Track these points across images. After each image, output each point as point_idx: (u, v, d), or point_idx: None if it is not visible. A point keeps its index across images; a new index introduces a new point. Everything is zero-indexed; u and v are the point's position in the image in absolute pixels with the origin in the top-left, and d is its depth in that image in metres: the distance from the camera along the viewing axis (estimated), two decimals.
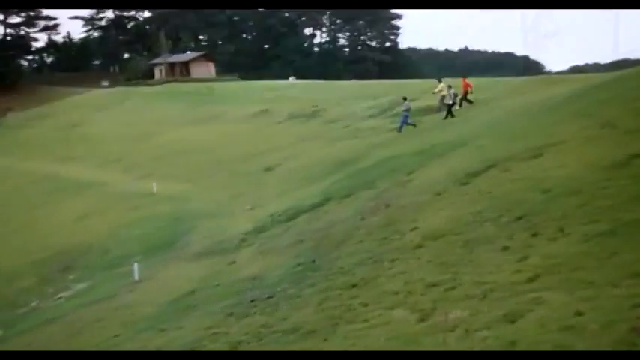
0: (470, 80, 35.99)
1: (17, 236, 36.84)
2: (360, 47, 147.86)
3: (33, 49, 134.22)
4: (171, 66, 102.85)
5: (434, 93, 36.86)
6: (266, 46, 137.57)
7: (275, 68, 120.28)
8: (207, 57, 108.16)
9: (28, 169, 55.08)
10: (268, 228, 22.66)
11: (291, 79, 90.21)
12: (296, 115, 49.19)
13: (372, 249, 12.98)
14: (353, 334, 8.46)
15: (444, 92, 34.60)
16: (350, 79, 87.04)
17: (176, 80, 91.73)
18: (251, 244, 21.16)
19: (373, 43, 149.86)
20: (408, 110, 33.66)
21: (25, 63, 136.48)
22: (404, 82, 55.62)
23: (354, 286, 10.87)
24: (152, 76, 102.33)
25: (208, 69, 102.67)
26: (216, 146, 46.07)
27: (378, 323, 8.53)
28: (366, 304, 9.57)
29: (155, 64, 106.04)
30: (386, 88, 50.10)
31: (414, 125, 33.01)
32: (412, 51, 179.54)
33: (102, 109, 75.08)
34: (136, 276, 21.84)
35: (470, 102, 34.55)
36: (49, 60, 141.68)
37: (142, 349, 12.55)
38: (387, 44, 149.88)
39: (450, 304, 8.16)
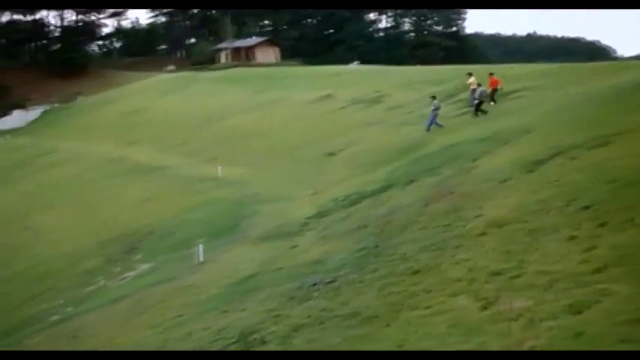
0: (498, 77, 35.10)
1: (85, 217, 37.81)
2: (424, 32, 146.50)
3: (102, 34, 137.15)
4: (236, 51, 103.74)
5: (467, 83, 36.72)
6: (330, 31, 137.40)
7: (339, 53, 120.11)
8: (271, 42, 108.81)
9: (96, 152, 56.36)
10: (330, 213, 22.72)
11: (355, 64, 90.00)
12: (359, 100, 49.05)
13: (435, 235, 12.90)
14: (415, 321, 8.43)
15: (474, 86, 34.25)
16: (414, 64, 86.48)
17: (240, 65, 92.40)
18: (313, 228, 21.24)
19: (438, 28, 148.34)
20: (437, 110, 33.22)
21: (94, 48, 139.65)
22: (469, 68, 54.84)
23: (416, 272, 10.83)
24: (217, 60, 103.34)
25: (273, 54, 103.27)
26: (279, 131, 46.35)
27: (440, 310, 8.49)
28: (428, 291, 9.53)
29: (220, 49, 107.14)
30: (451, 74, 49.55)
31: (441, 126, 32.54)
32: (478, 36, 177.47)
33: (167, 94, 76.19)
34: (200, 258, 22.18)
35: (493, 101, 33.61)
36: (117, 45, 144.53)
37: (205, 330, 12.76)
38: (453, 29, 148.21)
39: (515, 293, 8.06)
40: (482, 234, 11.64)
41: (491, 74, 35.06)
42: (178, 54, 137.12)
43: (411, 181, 21.75)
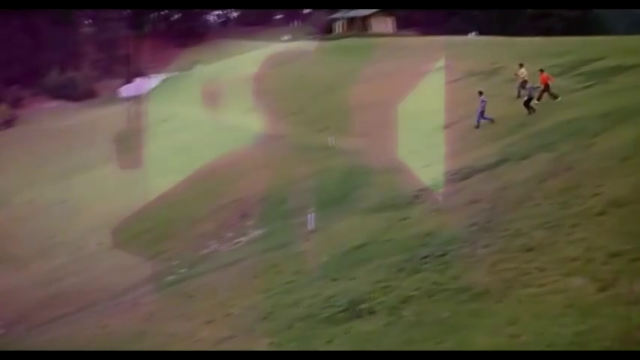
0: (548, 74, 33.61)
1: (201, 183, 38.92)
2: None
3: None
4: (351, 21, 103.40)
5: (515, 75, 36.13)
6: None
7: (455, 24, 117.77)
8: (386, 12, 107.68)
9: (214, 119, 57.74)
10: (442, 186, 22.50)
11: (472, 34, 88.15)
12: (475, 72, 48.04)
13: (551, 213, 12.57)
14: (527, 299, 8.30)
15: (519, 80, 34.04)
16: (533, 35, 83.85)
17: (356, 35, 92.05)
18: (424, 201, 21.11)
19: None
20: (483, 104, 32.55)
21: (213, 18, 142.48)
22: (590, 40, 52.79)
23: (530, 249, 10.61)
24: (333, 30, 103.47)
25: (388, 24, 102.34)
26: (392, 102, 46.02)
27: (554, 289, 8.32)
28: (542, 269, 9.33)
29: (335, 19, 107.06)
30: (571, 46, 47.80)
31: (492, 120, 32.03)
32: None
33: (282, 63, 76.92)
34: (311, 226, 22.46)
35: (554, 97, 32.06)
36: (234, 14, 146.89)
37: (314, 297, 12.96)
38: None
39: (634, 275, 7.79)
40: (601, 213, 11.26)
41: (541, 71, 33.68)
42: (295, 23, 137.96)
43: (526, 157, 21.20)
